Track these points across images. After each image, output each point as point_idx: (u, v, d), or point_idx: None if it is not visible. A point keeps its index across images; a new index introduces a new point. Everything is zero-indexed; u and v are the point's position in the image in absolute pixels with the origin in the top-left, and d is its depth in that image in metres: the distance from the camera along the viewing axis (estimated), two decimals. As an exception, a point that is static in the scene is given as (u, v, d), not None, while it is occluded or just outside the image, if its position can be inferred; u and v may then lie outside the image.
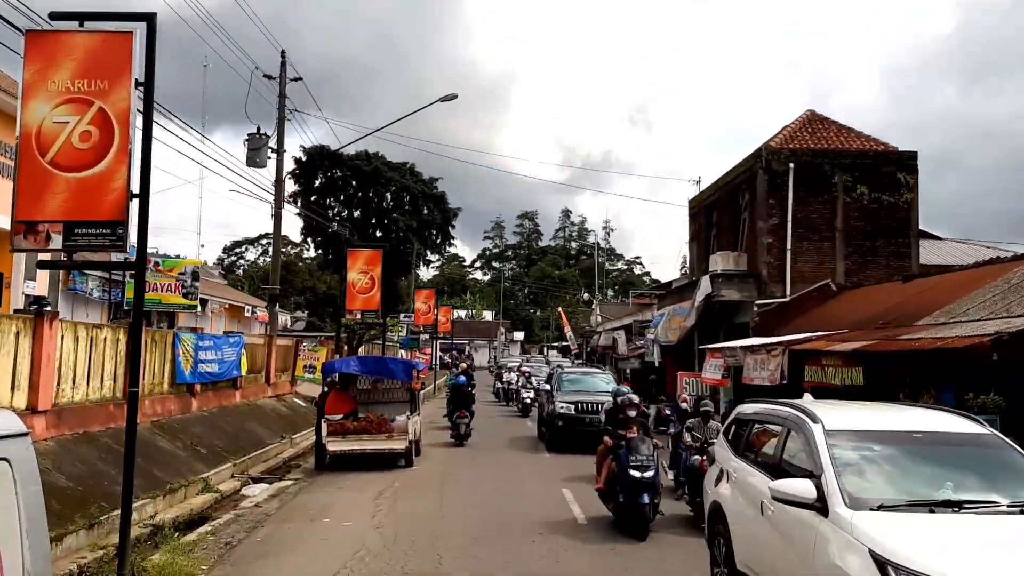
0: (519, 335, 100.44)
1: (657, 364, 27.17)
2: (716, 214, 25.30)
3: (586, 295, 67.77)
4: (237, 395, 19.43)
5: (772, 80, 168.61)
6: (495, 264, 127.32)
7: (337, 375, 16.77)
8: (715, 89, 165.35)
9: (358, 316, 23.05)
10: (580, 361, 41.20)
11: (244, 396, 19.88)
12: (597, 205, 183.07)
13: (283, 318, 56.24)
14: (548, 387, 20.04)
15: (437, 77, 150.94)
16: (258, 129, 24.40)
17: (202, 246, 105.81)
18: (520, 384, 28.80)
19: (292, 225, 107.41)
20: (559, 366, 25.78)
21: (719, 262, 22.09)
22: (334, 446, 14.90)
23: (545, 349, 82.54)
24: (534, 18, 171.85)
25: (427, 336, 51.09)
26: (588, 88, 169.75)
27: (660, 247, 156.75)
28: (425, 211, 79.99)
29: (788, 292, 20.85)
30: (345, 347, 30.73)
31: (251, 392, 20.53)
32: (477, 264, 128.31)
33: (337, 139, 71.65)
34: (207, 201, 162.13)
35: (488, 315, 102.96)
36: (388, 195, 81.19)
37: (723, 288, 21.05)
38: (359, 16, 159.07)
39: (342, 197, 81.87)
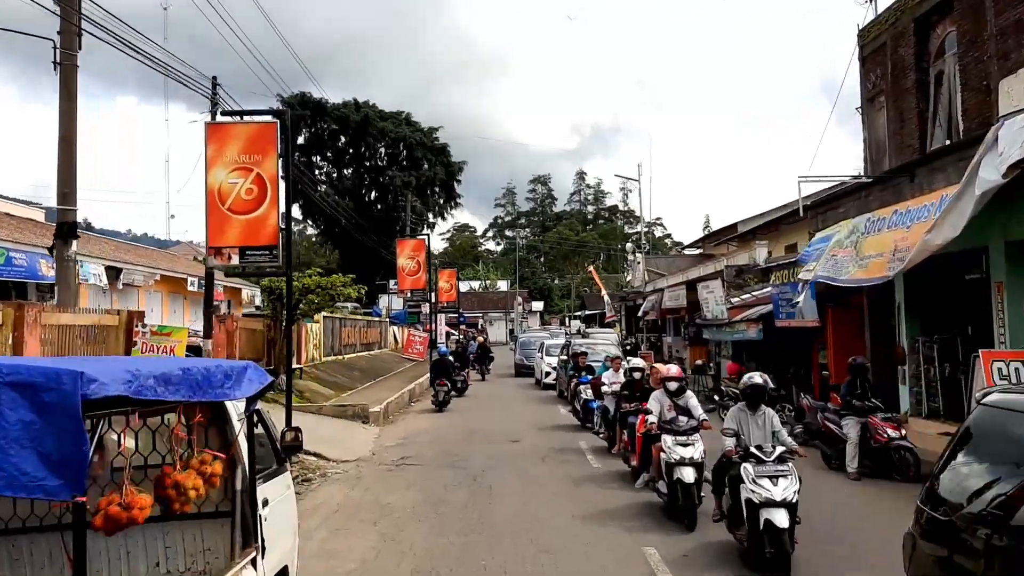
0: (538, 305, 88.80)
1: (788, 324, 14.87)
2: (955, 21, 12.60)
3: (629, 246, 54.88)
4: None
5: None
6: (508, 233, 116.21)
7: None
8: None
9: (232, 259, 10.96)
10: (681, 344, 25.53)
11: None
12: (611, 166, 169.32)
13: (247, 292, 43.65)
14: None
15: (442, 49, 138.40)
16: None
17: (172, 216, 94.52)
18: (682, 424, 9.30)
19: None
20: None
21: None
22: None
23: (567, 319, 70.42)
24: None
25: (427, 310, 38.97)
26: (593, 53, 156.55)
27: (678, 210, 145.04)
28: (425, 165, 66.74)
29: None
30: (270, 328, 18.38)
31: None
32: (489, 234, 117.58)
33: None
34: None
35: (503, 285, 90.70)
36: (381, 149, 67.67)
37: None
38: None
39: (329, 154, 68.41)
